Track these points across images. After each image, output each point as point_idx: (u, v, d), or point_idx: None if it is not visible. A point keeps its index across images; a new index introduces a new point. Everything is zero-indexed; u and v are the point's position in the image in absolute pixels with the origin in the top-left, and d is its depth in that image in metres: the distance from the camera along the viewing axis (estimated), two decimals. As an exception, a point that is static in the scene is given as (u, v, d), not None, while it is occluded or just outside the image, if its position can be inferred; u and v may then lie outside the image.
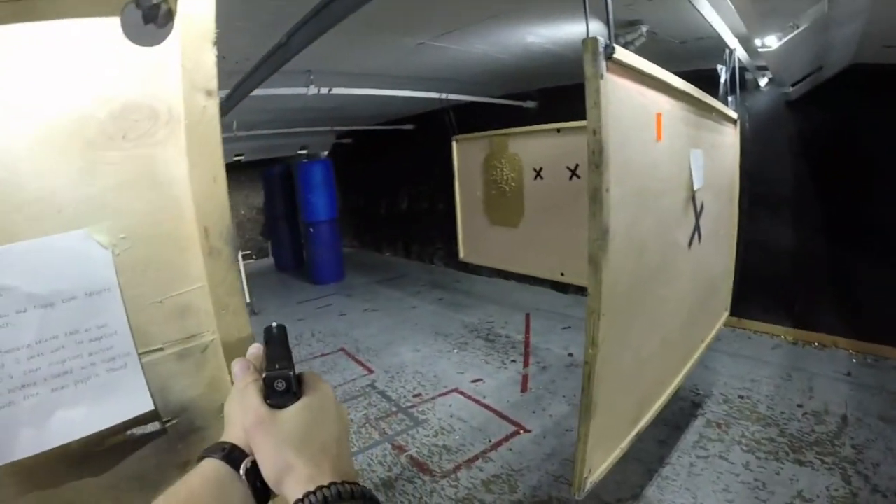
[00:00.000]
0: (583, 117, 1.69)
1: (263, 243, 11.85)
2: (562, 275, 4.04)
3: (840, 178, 4.48)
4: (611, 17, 1.64)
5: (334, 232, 9.05)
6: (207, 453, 0.57)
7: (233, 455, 0.57)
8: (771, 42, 2.75)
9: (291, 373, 0.60)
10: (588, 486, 1.92)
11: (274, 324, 0.67)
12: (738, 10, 2.48)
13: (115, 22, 0.69)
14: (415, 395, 4.37)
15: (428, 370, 4.88)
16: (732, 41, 3.05)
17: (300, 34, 2.40)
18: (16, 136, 0.63)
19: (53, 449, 0.65)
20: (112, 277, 0.70)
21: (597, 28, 1.67)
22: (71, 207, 0.67)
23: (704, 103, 2.71)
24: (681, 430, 3.49)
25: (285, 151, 9.95)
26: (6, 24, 0.61)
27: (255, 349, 0.70)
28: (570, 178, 3.75)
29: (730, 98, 3.33)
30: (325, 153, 10.48)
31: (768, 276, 5.00)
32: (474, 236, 4.87)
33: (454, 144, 4.80)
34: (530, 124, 4.21)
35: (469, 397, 4.26)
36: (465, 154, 4.75)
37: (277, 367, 0.60)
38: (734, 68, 3.28)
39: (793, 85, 4.23)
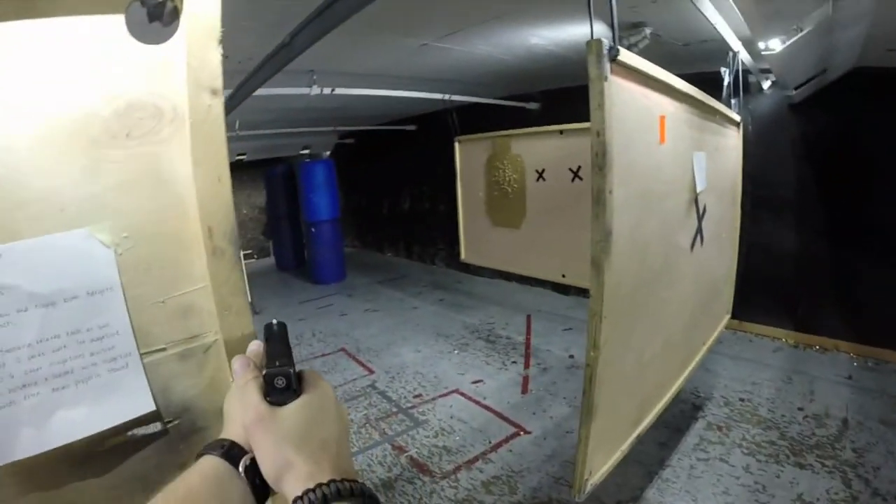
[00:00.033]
0: (585, 119, 1.68)
1: (265, 243, 11.86)
2: (563, 276, 4.03)
3: (842, 182, 4.48)
4: (615, 18, 1.64)
5: (336, 232, 9.06)
6: (206, 450, 0.57)
7: (232, 452, 0.57)
8: (774, 45, 2.75)
9: (292, 370, 0.60)
10: (588, 488, 1.92)
11: (274, 321, 0.67)
12: (742, 12, 2.48)
13: (119, 19, 0.68)
14: (415, 396, 4.36)
15: (428, 371, 4.87)
16: (736, 44, 3.04)
17: (303, 34, 2.40)
18: (18, 133, 0.62)
19: (54, 449, 0.65)
20: (114, 277, 0.69)
21: (600, 30, 1.67)
22: (73, 206, 0.66)
23: (708, 106, 2.71)
24: (681, 432, 3.48)
25: (288, 151, 9.95)
26: (9, 20, 0.61)
27: (256, 346, 0.70)
28: (573, 179, 3.74)
29: (733, 101, 3.33)
30: (328, 153, 10.47)
31: (770, 278, 4.99)
32: (476, 237, 4.86)
33: (456, 145, 4.79)
34: (533, 126, 4.21)
35: (469, 398, 4.26)
36: (467, 155, 4.75)
37: (278, 364, 0.60)
38: (737, 71, 3.27)
39: (796, 88, 4.23)
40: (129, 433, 0.73)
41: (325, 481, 0.51)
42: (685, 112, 2.39)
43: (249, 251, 11.37)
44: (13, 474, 0.63)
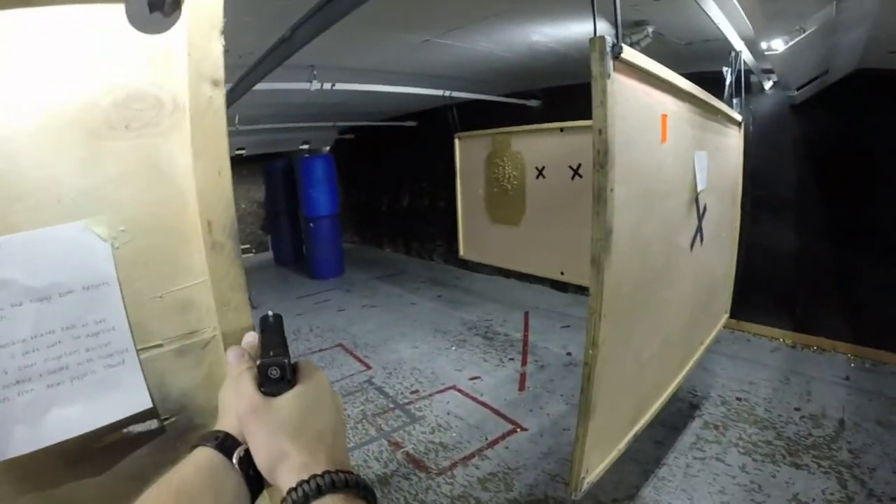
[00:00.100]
0: (586, 117, 1.68)
1: (263, 237, 11.84)
2: (562, 274, 4.03)
3: (843, 183, 4.48)
4: (618, 16, 1.63)
5: (335, 227, 9.04)
6: (200, 442, 0.57)
7: (226, 443, 0.56)
8: (777, 45, 2.73)
9: (286, 360, 0.59)
10: (585, 486, 1.92)
11: (270, 312, 0.66)
12: (746, 12, 2.47)
13: (119, 9, 0.67)
14: (412, 392, 4.36)
15: (426, 367, 4.87)
16: (738, 43, 3.04)
17: (304, 28, 2.39)
18: (15, 124, 0.61)
19: (49, 447, 0.64)
20: (111, 271, 0.68)
21: (602, 28, 1.66)
22: (70, 198, 0.65)
23: (710, 105, 2.70)
24: (678, 431, 3.48)
25: (287, 146, 9.92)
26: (6, 9, 0.60)
27: (251, 337, 0.69)
28: (573, 177, 3.74)
29: (734, 100, 3.32)
30: (327, 149, 10.45)
31: (769, 278, 4.99)
32: (475, 234, 4.86)
33: (457, 142, 4.79)
34: (533, 123, 4.20)
35: (466, 395, 4.26)
36: (467, 152, 4.74)
37: (272, 354, 0.60)
38: (739, 71, 3.26)
39: (798, 89, 4.22)
40: (126, 430, 0.72)
41: (319, 472, 0.51)
42: (687, 111, 2.38)
43: (248, 246, 11.36)
44: (7, 472, 0.62)
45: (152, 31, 0.70)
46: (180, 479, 0.52)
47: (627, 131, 1.72)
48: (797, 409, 3.69)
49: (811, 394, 3.91)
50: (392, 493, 3.05)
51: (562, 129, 3.81)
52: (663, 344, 2.41)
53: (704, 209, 2.72)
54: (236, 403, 0.58)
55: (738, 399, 3.89)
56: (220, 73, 0.76)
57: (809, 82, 4.07)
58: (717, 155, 2.94)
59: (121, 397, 0.69)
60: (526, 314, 6.28)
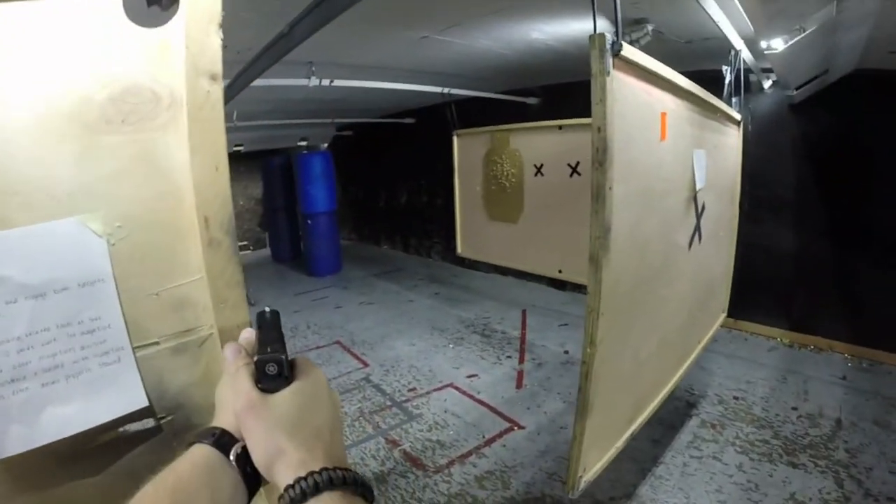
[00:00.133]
0: (585, 115, 1.67)
1: (261, 234, 11.82)
2: (560, 272, 4.03)
3: (841, 183, 4.48)
4: (618, 13, 1.62)
5: (332, 224, 9.03)
6: (197, 438, 0.56)
7: (223, 440, 0.56)
8: (777, 44, 2.73)
9: (283, 356, 0.59)
10: (582, 485, 1.91)
11: (267, 308, 0.66)
12: (746, 11, 2.47)
13: (117, 2, 0.66)
14: (409, 390, 4.36)
15: (423, 364, 4.87)
16: (738, 42, 3.03)
17: (303, 24, 2.38)
18: (9, 118, 0.60)
19: (44, 446, 0.63)
20: (107, 268, 0.67)
21: (602, 25, 1.66)
22: (66, 194, 0.64)
23: (709, 104, 2.70)
24: (675, 429, 3.49)
25: (285, 143, 9.90)
26: (1, 2, 0.59)
27: (248, 333, 0.69)
28: (571, 175, 3.73)
29: (733, 99, 3.32)
30: (325, 145, 10.44)
31: (766, 278, 5.00)
32: (473, 231, 4.85)
33: (455, 139, 4.77)
34: (532, 121, 4.19)
35: (464, 392, 4.26)
36: (465, 149, 4.72)
37: (269, 350, 0.59)
38: (739, 70, 3.26)
39: (797, 88, 4.22)
40: (122, 429, 0.71)
41: (317, 469, 0.51)
42: (686, 109, 2.38)
43: (245, 242, 11.33)
44: (2, 472, 0.61)
45: (150, 25, 0.69)
46: (176, 477, 0.52)
47: (626, 129, 1.72)
48: (794, 409, 3.69)
49: (808, 393, 3.92)
50: (389, 491, 3.05)
51: (560, 127, 3.80)
52: (661, 342, 2.41)
53: (703, 208, 2.72)
54: (233, 400, 0.58)
55: (736, 398, 3.89)
56: (218, 68, 0.75)
57: (808, 82, 4.07)
58: (716, 153, 2.94)
59: (116, 396, 0.69)
60: (523, 312, 6.28)
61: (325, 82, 4.42)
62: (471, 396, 4.19)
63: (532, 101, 6.66)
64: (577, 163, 3.66)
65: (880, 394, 3.83)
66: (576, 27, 3.69)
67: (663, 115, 2.07)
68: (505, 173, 4.28)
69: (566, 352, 4.97)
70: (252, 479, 0.56)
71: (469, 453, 3.39)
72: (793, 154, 4.74)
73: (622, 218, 1.74)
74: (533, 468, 3.20)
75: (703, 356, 3.34)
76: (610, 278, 1.71)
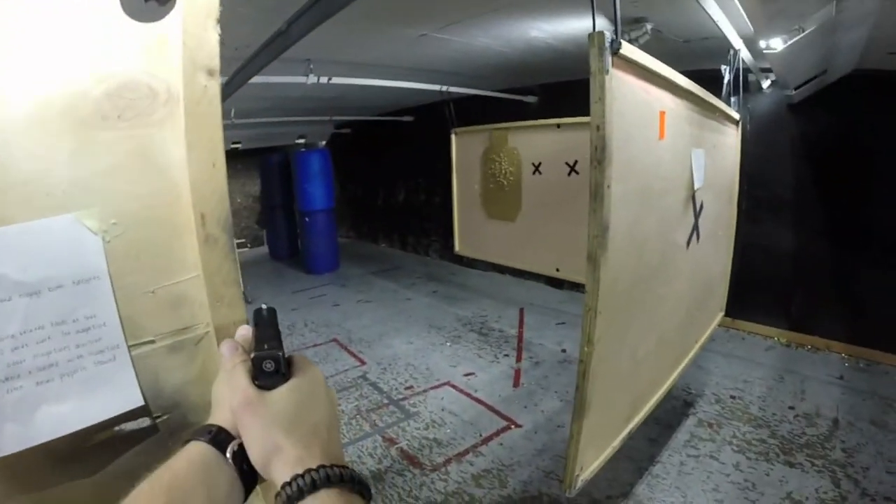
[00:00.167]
0: (584, 113, 1.67)
1: (258, 232, 11.80)
2: (557, 270, 4.03)
3: (840, 183, 4.49)
4: (618, 11, 1.62)
5: (330, 222, 9.01)
6: (193, 436, 0.56)
7: (219, 438, 0.55)
8: (776, 44, 2.73)
9: (280, 353, 0.59)
10: (579, 483, 1.92)
11: (264, 306, 0.65)
12: (746, 11, 2.46)
13: (113, -4, 0.66)
14: (406, 388, 4.36)
15: (420, 363, 4.87)
16: (737, 42, 3.03)
17: (301, 21, 2.38)
18: (4, 114, 0.59)
19: (38, 446, 0.62)
20: (102, 265, 0.66)
21: (601, 24, 1.66)
22: (60, 190, 0.64)
23: (708, 103, 2.70)
24: (672, 428, 3.49)
25: (283, 140, 9.89)
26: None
27: (244, 331, 0.68)
28: (569, 174, 3.73)
29: (732, 99, 3.32)
30: (323, 143, 10.42)
31: (764, 277, 5.00)
32: (470, 230, 4.85)
33: (453, 137, 4.77)
34: (530, 119, 4.19)
35: (461, 391, 4.26)
36: (463, 147, 4.72)
37: (266, 347, 0.59)
38: (738, 69, 3.26)
39: (795, 88, 4.22)
40: (117, 428, 0.70)
41: (314, 467, 0.50)
42: (685, 108, 2.38)
43: (243, 240, 11.32)
44: (-5, 471, 0.61)
45: (147, 20, 0.68)
46: (172, 475, 0.51)
47: (625, 128, 1.72)
48: (791, 408, 3.70)
49: (805, 393, 3.92)
50: (386, 490, 3.04)
51: (559, 126, 3.80)
52: (659, 341, 2.41)
53: (701, 207, 2.72)
54: (230, 397, 0.57)
55: (733, 397, 3.90)
56: (216, 63, 0.74)
57: (807, 82, 4.07)
58: (715, 153, 2.94)
59: (112, 395, 0.68)
60: (521, 310, 6.28)
61: (324, 80, 4.41)
62: (468, 395, 4.18)
63: (531, 99, 6.65)
64: (576, 161, 3.67)
65: (877, 394, 3.84)
66: (575, 26, 3.68)
67: (662, 113, 2.07)
68: (503, 172, 4.29)
69: (563, 350, 4.97)
70: (249, 476, 0.55)
71: (466, 452, 3.39)
72: (791, 154, 4.75)
73: (620, 217, 1.74)
74: (530, 467, 3.20)
75: (700, 355, 3.35)
76: (608, 277, 1.71)
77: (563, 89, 5.95)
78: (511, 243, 4.39)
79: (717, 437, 3.37)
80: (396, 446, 3.49)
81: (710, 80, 3.01)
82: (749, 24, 2.62)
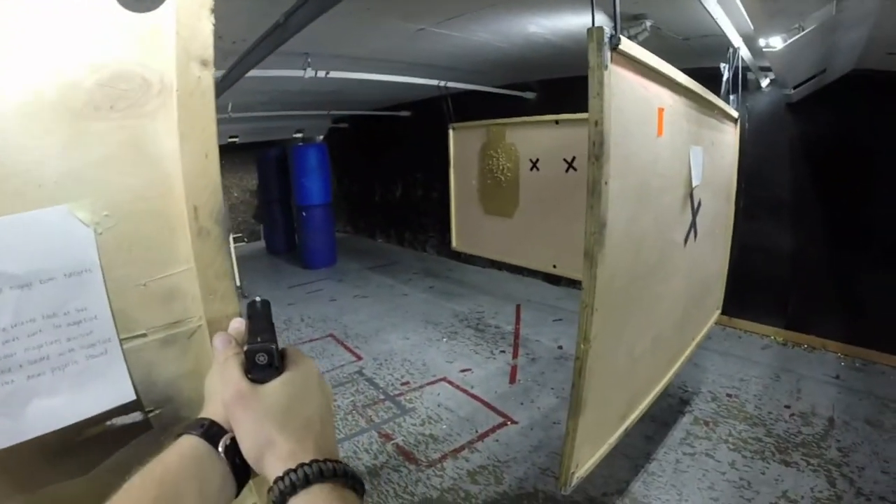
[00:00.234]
0: (582, 110, 1.66)
1: (255, 226, 11.79)
2: (554, 267, 4.03)
3: (838, 182, 4.48)
4: (617, 7, 1.61)
5: (327, 216, 9.00)
6: (185, 430, 0.55)
7: (211, 431, 0.55)
8: (776, 43, 2.72)
9: (274, 346, 0.58)
10: (575, 481, 1.91)
11: (258, 298, 0.64)
12: (747, 9, 2.46)
13: (105, -15, 0.65)
14: (403, 384, 4.35)
15: (417, 358, 4.86)
16: (737, 40, 3.02)
17: (298, 14, 2.36)
18: (-5, 104, 0.59)
19: (29, 440, 0.62)
20: (94, 257, 0.66)
21: (601, 20, 1.65)
22: (52, 182, 0.63)
23: (706, 100, 2.69)
24: (668, 426, 3.49)
25: (280, 134, 9.88)
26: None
27: (238, 323, 0.68)
28: (567, 170, 3.73)
29: (731, 97, 3.31)
30: (321, 137, 10.41)
31: (761, 276, 5.01)
32: (468, 226, 4.84)
33: (451, 132, 4.76)
34: (529, 115, 4.18)
35: (457, 387, 4.26)
36: (461, 142, 4.71)
37: (260, 340, 0.58)
38: (737, 67, 3.25)
39: (794, 87, 4.22)
40: (109, 423, 0.69)
41: (307, 461, 0.50)
42: (684, 105, 2.37)
43: (240, 234, 11.30)
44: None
45: (140, 9, 0.67)
46: (164, 468, 0.51)
47: (623, 124, 1.71)
48: (787, 407, 3.71)
49: (801, 392, 3.93)
50: (382, 485, 3.04)
51: (557, 122, 3.79)
52: (655, 339, 2.41)
53: (699, 205, 2.72)
54: (222, 390, 0.57)
55: (729, 396, 3.90)
56: (210, 53, 0.74)
57: (806, 81, 4.07)
58: (713, 151, 2.93)
59: (103, 389, 0.67)
60: (518, 307, 6.28)
61: (321, 74, 4.40)
62: (464, 391, 4.18)
63: (529, 95, 6.64)
64: (573, 158, 3.66)
65: (873, 393, 3.85)
66: (574, 21, 3.67)
67: (660, 110, 2.06)
68: (501, 167, 4.28)
69: (560, 347, 4.98)
70: (241, 470, 0.55)
71: (462, 448, 3.39)
72: (789, 153, 4.74)
73: (618, 213, 1.74)
74: (526, 463, 3.20)
75: (697, 353, 3.35)
76: (605, 274, 1.70)
77: (561, 85, 5.93)
78: (508, 239, 4.38)
79: (713, 436, 3.38)
80: (392, 442, 3.49)
81: (709, 77, 3.00)
82: (749, 22, 2.61)
